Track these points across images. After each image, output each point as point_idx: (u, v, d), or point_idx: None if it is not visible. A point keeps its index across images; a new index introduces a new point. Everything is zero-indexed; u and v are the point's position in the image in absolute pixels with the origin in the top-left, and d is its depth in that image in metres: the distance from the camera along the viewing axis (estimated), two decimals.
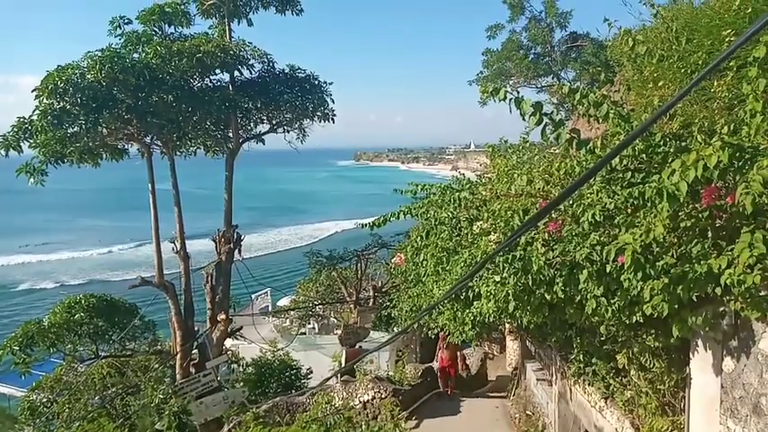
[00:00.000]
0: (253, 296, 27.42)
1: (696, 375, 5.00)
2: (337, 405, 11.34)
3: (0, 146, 12.14)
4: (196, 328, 15.53)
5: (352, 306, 23.61)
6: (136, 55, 13.18)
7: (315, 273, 26.47)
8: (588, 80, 21.49)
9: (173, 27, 14.34)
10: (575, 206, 4.99)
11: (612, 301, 4.64)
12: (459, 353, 13.95)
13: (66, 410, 14.83)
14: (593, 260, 4.60)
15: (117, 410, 14.94)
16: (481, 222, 6.70)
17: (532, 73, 24.93)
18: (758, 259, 3.52)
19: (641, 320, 4.59)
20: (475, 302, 6.11)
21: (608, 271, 4.44)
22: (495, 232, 6.16)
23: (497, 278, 5.38)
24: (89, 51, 12.45)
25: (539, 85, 25.60)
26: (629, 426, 6.45)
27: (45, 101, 11.97)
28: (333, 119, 15.68)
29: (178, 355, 14.83)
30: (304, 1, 15.45)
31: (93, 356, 16.10)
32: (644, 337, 5.38)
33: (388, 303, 15.06)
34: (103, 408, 14.70)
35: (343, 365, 15.27)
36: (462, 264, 6.12)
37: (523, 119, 4.62)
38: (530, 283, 5.07)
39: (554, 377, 9.51)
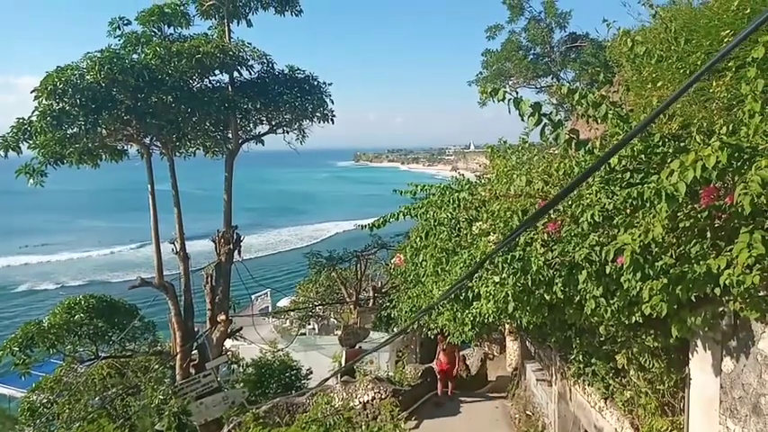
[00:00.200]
0: (253, 297, 27.43)
1: (695, 375, 5.01)
2: (337, 406, 11.33)
3: None
4: (196, 329, 15.52)
5: (351, 307, 23.61)
6: (135, 56, 13.18)
7: (315, 273, 26.48)
8: (587, 80, 21.50)
9: (172, 28, 14.33)
10: (574, 206, 4.99)
11: (612, 302, 4.64)
12: (457, 354, 13.86)
13: (67, 411, 14.82)
14: (593, 260, 4.60)
15: (117, 411, 14.93)
16: (480, 223, 6.70)
17: (532, 73, 24.95)
18: (757, 259, 3.52)
19: (640, 321, 4.59)
20: (474, 303, 6.11)
21: (607, 271, 4.44)
22: (494, 233, 6.17)
23: (497, 279, 5.39)
24: (88, 52, 12.46)
25: (538, 86, 25.65)
26: (629, 426, 6.45)
27: (44, 102, 11.94)
28: (332, 119, 15.69)
29: (178, 356, 14.82)
30: (304, 2, 15.49)
31: (93, 357, 16.08)
32: (643, 337, 5.38)
33: (388, 304, 15.04)
34: (103, 408, 14.69)
35: (342, 366, 15.26)
36: (462, 264, 6.12)
37: (522, 119, 4.63)
38: (529, 283, 5.07)
39: (554, 377, 9.51)
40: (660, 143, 4.62)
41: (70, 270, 63.86)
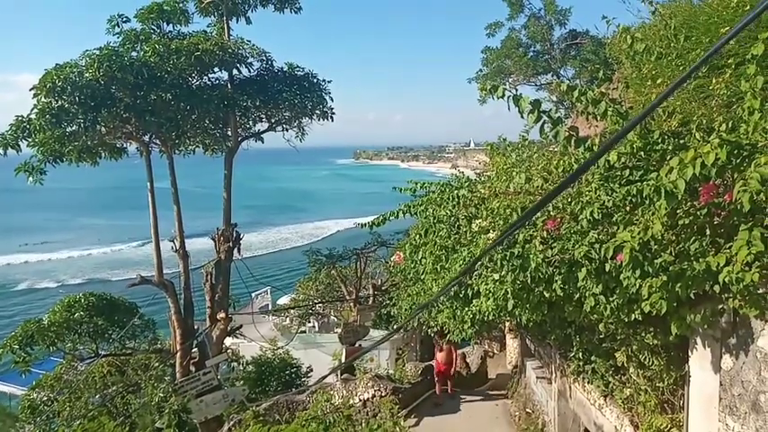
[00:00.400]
0: (252, 295, 27.47)
1: (695, 373, 5.01)
2: (337, 403, 11.34)
3: None
4: (196, 327, 15.53)
5: (351, 304, 23.66)
6: (134, 53, 13.14)
7: (315, 271, 26.55)
8: (587, 78, 21.47)
9: (171, 25, 14.29)
10: (573, 204, 4.98)
11: (611, 299, 4.64)
12: (455, 353, 13.78)
13: (67, 409, 14.87)
14: (592, 258, 4.59)
15: (117, 409, 14.98)
16: (480, 220, 6.69)
17: (532, 71, 24.91)
18: (756, 257, 3.52)
19: (640, 318, 4.59)
20: (474, 300, 6.11)
21: (607, 269, 4.44)
22: (493, 230, 6.16)
23: (496, 276, 5.39)
24: (87, 50, 12.42)
25: (538, 83, 25.62)
26: (629, 423, 6.46)
27: (43, 99, 11.91)
28: (332, 117, 15.65)
29: (178, 354, 14.82)
30: (304, 1, 15.43)
31: (93, 355, 16.09)
32: (643, 334, 5.39)
33: (388, 302, 15.06)
34: (104, 406, 14.73)
35: (341, 363, 15.27)
36: (461, 262, 6.11)
37: (522, 116, 4.61)
38: (528, 280, 5.07)
39: (554, 375, 9.52)
40: (659, 140, 4.60)
41: (70, 268, 63.96)
